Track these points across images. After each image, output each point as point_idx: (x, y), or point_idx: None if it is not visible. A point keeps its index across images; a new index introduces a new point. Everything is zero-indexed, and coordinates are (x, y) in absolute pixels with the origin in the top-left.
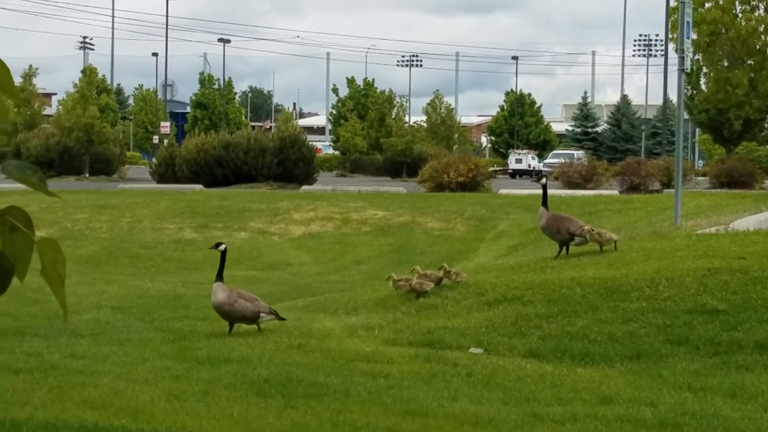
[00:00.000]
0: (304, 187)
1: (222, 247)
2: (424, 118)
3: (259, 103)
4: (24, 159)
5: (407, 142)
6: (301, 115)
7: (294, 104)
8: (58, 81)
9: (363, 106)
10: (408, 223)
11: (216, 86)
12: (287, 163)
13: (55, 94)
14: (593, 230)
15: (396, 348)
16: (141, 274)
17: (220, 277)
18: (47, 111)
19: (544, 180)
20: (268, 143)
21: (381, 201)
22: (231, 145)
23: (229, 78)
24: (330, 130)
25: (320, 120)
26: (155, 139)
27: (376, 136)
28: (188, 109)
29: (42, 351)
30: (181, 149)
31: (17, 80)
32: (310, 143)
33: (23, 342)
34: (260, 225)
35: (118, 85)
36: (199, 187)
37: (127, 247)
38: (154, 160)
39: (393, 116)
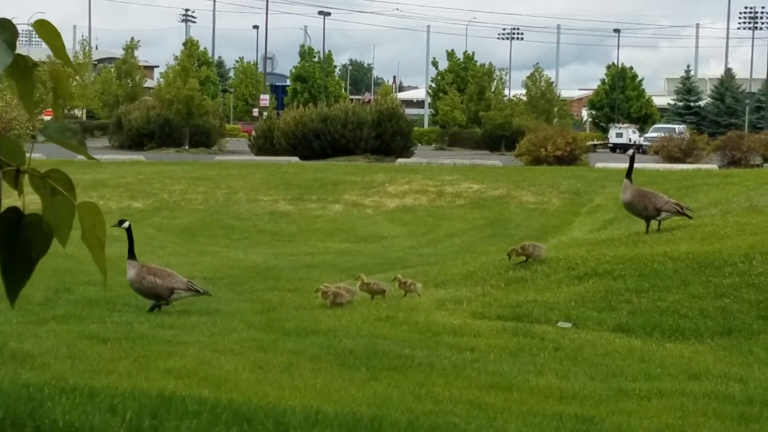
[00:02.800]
0: (399, 160)
1: (126, 224)
2: (524, 91)
3: (359, 77)
4: (125, 131)
5: (506, 115)
6: (401, 89)
7: (394, 77)
8: (160, 54)
9: (462, 79)
10: (503, 197)
11: (316, 59)
12: (385, 137)
13: (158, 66)
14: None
15: (483, 321)
16: (234, 245)
17: (131, 254)
18: (149, 84)
19: (631, 151)
20: (366, 116)
21: (476, 174)
22: (329, 118)
23: (329, 51)
24: (429, 103)
25: (420, 93)
26: (255, 111)
27: (475, 109)
28: (288, 82)
29: (132, 321)
30: (279, 122)
31: (119, 53)
32: (409, 116)
33: (114, 311)
34: (354, 197)
35: (219, 58)
36: (294, 159)
37: (221, 218)
38: (252, 132)
39: (492, 90)
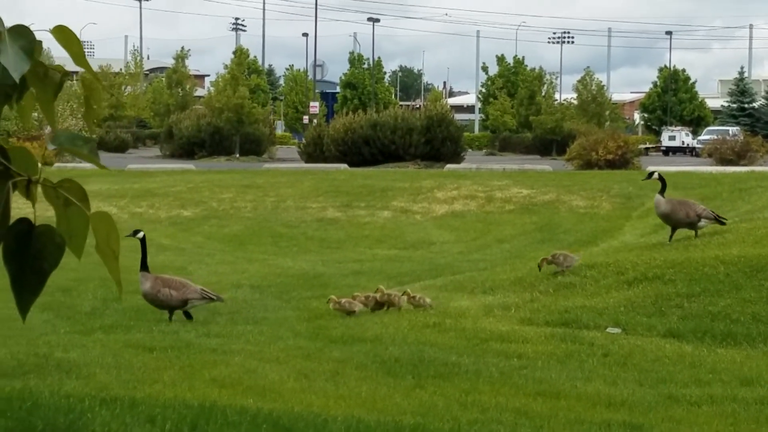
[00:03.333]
0: (448, 166)
1: (140, 234)
2: (575, 95)
3: (410, 83)
4: (176, 140)
5: (557, 119)
6: (451, 94)
7: (444, 83)
8: (211, 62)
9: (513, 84)
10: (552, 201)
11: (365, 66)
12: (434, 142)
13: (209, 75)
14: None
15: (532, 327)
16: (283, 253)
17: (144, 266)
18: (200, 92)
19: (656, 174)
20: (416, 122)
21: (525, 179)
22: (378, 124)
23: (379, 57)
24: (479, 108)
25: (470, 98)
26: (305, 119)
27: (525, 114)
28: (338, 89)
29: (178, 330)
30: (329, 129)
31: (171, 62)
32: (459, 122)
33: (160, 321)
34: (403, 204)
35: (270, 65)
36: (343, 166)
37: (270, 226)
38: (302, 139)
39: (543, 94)
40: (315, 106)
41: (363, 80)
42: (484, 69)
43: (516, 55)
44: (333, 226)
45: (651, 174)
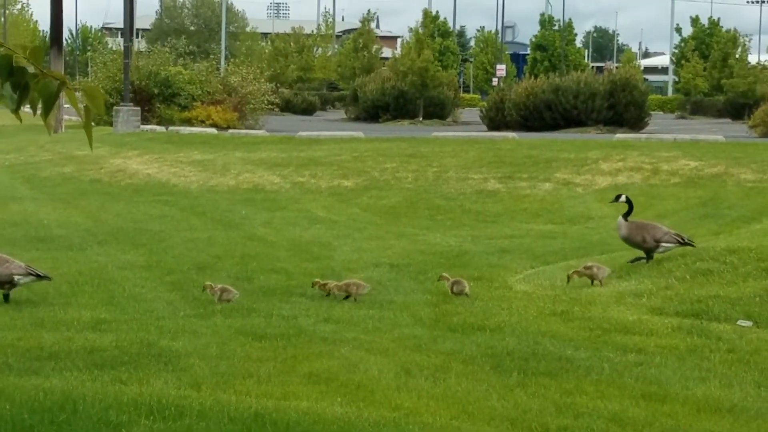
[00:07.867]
0: (618, 135)
1: None
2: None
3: (604, 43)
4: (360, 103)
5: (749, 83)
6: (647, 55)
7: (639, 44)
8: (405, 24)
9: (707, 45)
10: (720, 174)
11: (556, 27)
12: (617, 107)
13: (401, 37)
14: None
15: (660, 318)
16: (436, 227)
17: None
18: (388, 54)
19: (623, 197)
20: (598, 87)
21: (695, 150)
22: (560, 89)
23: (569, 19)
24: (673, 70)
25: (664, 60)
26: (495, 81)
27: (718, 76)
28: (528, 51)
29: (299, 314)
30: (510, 93)
31: (356, 24)
32: (651, 84)
33: (286, 302)
34: (566, 176)
35: (462, 27)
36: (511, 135)
37: (429, 198)
38: (485, 103)
39: (737, 56)
40: (502, 69)
41: (553, 42)
42: (678, 30)
43: (711, 16)
44: (492, 199)
45: (618, 197)
